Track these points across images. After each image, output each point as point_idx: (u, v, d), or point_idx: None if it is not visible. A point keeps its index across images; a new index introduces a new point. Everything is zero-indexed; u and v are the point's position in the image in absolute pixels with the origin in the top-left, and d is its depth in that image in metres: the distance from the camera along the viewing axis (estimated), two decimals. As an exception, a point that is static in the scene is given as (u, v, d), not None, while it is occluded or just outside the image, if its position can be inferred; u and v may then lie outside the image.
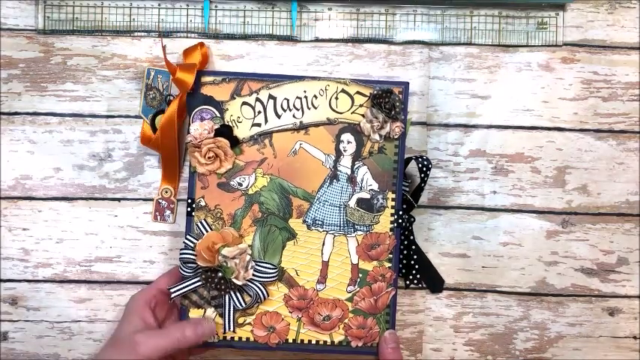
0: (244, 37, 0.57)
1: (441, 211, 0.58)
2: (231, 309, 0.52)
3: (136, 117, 0.57)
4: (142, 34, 0.57)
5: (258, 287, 0.52)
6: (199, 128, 0.52)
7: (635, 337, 0.59)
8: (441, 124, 0.58)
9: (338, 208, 0.53)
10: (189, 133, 0.53)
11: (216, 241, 0.51)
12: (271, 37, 0.57)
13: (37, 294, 0.57)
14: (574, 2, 0.58)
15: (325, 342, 0.53)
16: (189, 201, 0.53)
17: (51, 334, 0.57)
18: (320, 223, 0.53)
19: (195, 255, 0.51)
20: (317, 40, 0.58)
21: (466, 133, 0.58)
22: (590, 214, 0.58)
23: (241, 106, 0.53)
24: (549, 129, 0.58)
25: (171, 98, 0.55)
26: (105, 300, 0.57)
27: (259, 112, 0.53)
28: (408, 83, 0.53)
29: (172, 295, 0.52)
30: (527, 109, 0.58)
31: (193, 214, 0.53)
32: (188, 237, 0.52)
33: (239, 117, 0.53)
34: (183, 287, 0.52)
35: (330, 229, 0.53)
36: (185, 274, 0.52)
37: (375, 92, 0.52)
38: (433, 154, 0.58)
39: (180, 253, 0.52)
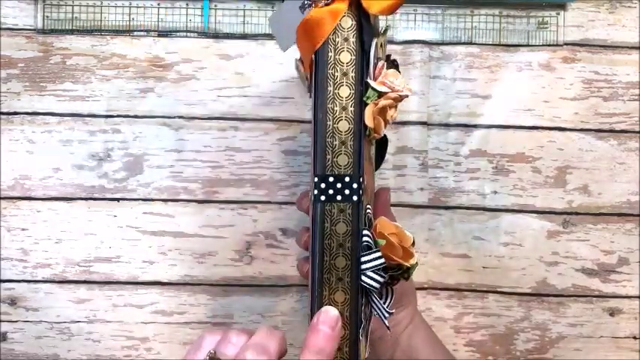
0: (244, 36, 0.57)
1: (441, 211, 0.58)
2: (368, 330, 0.39)
3: (135, 117, 0.57)
4: (142, 33, 0.57)
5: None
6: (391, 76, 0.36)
7: (635, 338, 0.59)
8: (441, 123, 0.58)
9: None
10: (372, 79, 0.36)
11: (392, 231, 0.37)
12: (271, 36, 0.57)
13: (36, 294, 0.57)
14: (575, 2, 0.58)
15: None
16: (361, 180, 0.35)
17: (50, 334, 0.57)
18: None
19: (382, 256, 0.36)
20: (317, 39, 0.57)
21: (467, 133, 0.58)
22: (591, 214, 0.58)
23: None
24: (550, 129, 0.58)
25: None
26: (104, 300, 0.57)
27: None
28: None
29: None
30: (527, 108, 0.58)
31: (362, 198, 0.36)
32: (366, 231, 0.36)
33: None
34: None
35: None
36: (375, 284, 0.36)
37: None
38: (434, 153, 0.58)
39: (365, 261, 0.36)
